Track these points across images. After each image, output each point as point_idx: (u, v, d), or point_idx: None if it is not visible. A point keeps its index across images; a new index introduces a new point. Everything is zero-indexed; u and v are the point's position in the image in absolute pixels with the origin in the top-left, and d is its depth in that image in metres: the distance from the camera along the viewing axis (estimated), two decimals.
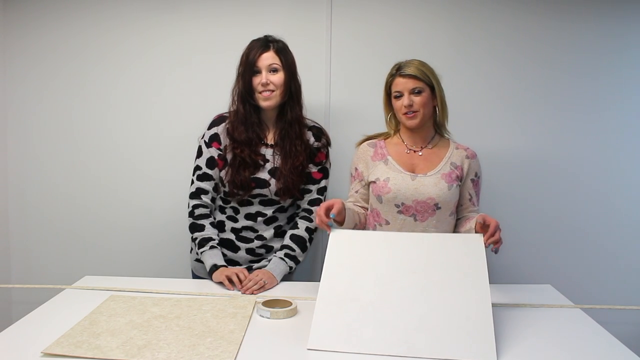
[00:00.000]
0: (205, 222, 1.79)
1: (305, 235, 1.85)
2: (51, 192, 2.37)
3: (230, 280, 1.66)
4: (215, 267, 1.72)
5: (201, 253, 1.77)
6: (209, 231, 1.79)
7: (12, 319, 1.47)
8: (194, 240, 1.80)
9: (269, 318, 1.44)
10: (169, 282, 1.74)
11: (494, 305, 1.56)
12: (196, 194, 1.81)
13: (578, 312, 1.54)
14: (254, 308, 1.51)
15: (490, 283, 1.83)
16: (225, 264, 1.75)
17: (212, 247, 1.76)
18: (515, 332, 1.38)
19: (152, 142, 2.32)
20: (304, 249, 1.85)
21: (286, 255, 1.80)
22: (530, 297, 1.64)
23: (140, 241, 2.36)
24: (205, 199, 1.81)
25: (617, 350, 1.29)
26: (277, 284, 1.74)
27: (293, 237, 1.84)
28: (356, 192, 1.86)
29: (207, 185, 1.81)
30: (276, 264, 1.77)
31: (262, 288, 1.67)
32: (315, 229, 1.90)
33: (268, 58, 1.74)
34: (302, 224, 1.86)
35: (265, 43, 1.76)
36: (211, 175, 1.81)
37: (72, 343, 1.25)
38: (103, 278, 1.78)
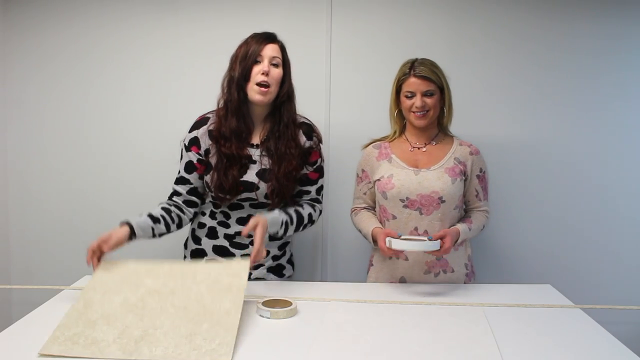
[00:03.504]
0: (158, 207, 1.73)
1: (306, 218, 1.79)
2: (51, 193, 2.37)
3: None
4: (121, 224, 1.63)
5: None
6: (154, 209, 1.71)
7: (12, 319, 1.47)
8: None
9: (269, 318, 1.44)
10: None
11: (494, 305, 1.57)
12: (170, 195, 1.80)
13: (578, 312, 1.54)
14: (249, 277, 1.48)
15: (490, 283, 1.86)
16: (129, 221, 1.62)
17: (140, 214, 1.68)
18: (515, 332, 1.37)
19: (152, 143, 2.32)
20: (299, 225, 1.77)
21: (284, 222, 1.72)
22: (530, 297, 1.64)
23: (140, 241, 2.35)
24: (177, 199, 1.78)
25: (617, 350, 1.29)
26: (265, 229, 1.63)
27: (295, 211, 1.77)
28: (364, 194, 1.90)
29: (181, 188, 1.78)
30: (272, 217, 1.69)
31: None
32: (313, 222, 1.84)
33: (273, 50, 1.70)
34: (307, 208, 1.81)
35: (270, 36, 1.73)
36: (188, 180, 1.77)
37: (69, 337, 1.24)
38: None
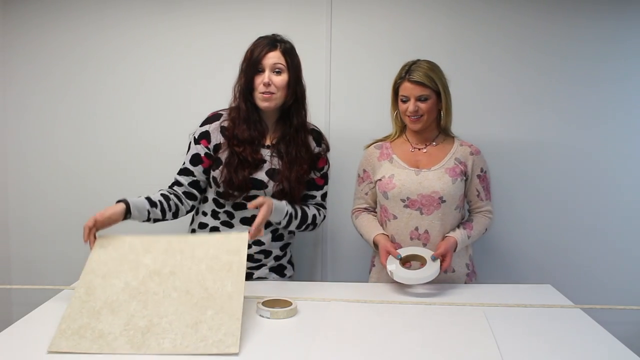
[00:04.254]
0: (158, 192, 1.73)
1: (310, 217, 1.80)
2: (51, 193, 2.37)
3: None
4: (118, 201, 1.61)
5: None
6: (152, 194, 1.70)
7: (12, 319, 1.47)
8: None
9: (269, 318, 1.44)
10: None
11: (494, 305, 1.57)
12: (171, 184, 1.79)
13: (578, 312, 1.54)
14: (251, 277, 1.48)
15: (490, 283, 1.86)
16: (126, 199, 1.60)
17: (139, 196, 1.67)
18: (516, 332, 1.38)
19: (154, 143, 2.32)
20: (302, 222, 1.79)
21: (289, 212, 1.73)
22: (530, 297, 1.64)
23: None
24: (177, 189, 1.77)
25: (617, 350, 1.29)
26: (270, 211, 1.64)
27: (301, 208, 1.79)
28: (366, 194, 1.91)
29: (183, 179, 1.77)
30: (280, 204, 1.70)
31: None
32: (315, 225, 1.86)
33: (273, 57, 1.69)
34: (313, 210, 1.83)
35: (272, 42, 1.71)
36: (192, 172, 1.77)
37: (75, 331, 1.24)
38: None
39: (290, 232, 1.90)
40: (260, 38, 1.74)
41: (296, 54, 1.76)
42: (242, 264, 1.42)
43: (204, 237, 1.54)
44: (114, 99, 2.32)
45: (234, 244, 1.49)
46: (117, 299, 1.33)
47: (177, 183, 1.79)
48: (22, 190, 2.38)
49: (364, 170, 1.90)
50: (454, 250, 1.76)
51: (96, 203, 2.33)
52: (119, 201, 1.61)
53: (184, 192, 1.78)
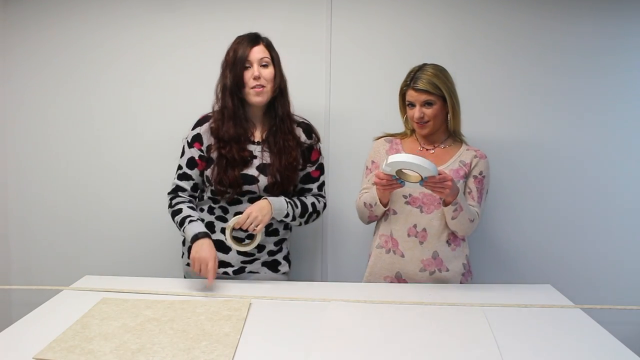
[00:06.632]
0: (183, 206, 1.78)
1: (310, 206, 1.84)
2: (51, 193, 2.37)
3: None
4: (196, 237, 1.69)
5: (182, 230, 1.75)
6: (187, 211, 1.77)
7: (12, 319, 1.47)
8: (176, 224, 1.78)
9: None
10: (166, 281, 1.74)
11: (494, 305, 1.57)
12: (174, 190, 1.82)
13: (578, 312, 1.54)
14: (248, 310, 1.50)
15: (489, 283, 1.86)
16: (206, 231, 1.72)
17: (190, 221, 1.73)
18: (515, 332, 1.38)
19: (153, 143, 2.32)
20: (302, 214, 1.83)
21: (288, 202, 1.79)
22: (530, 297, 1.64)
23: (140, 241, 2.36)
24: (183, 195, 1.81)
25: (617, 350, 1.29)
26: (271, 217, 1.73)
27: (298, 199, 1.84)
28: (373, 184, 1.89)
29: (185, 184, 1.81)
30: (277, 199, 1.76)
31: (260, 224, 1.70)
32: (318, 212, 1.88)
33: (259, 52, 1.74)
34: (310, 198, 1.86)
35: (254, 38, 1.77)
36: (190, 175, 1.81)
37: (65, 348, 1.24)
38: (103, 278, 1.78)
39: (287, 228, 1.92)
40: (240, 37, 1.78)
41: (274, 47, 1.81)
42: (242, 318, 1.43)
43: (206, 299, 1.58)
44: (114, 99, 2.32)
45: (236, 304, 1.53)
46: (112, 332, 1.33)
47: (180, 189, 1.82)
48: (22, 191, 2.38)
49: (372, 162, 1.91)
50: (455, 197, 1.69)
51: (96, 204, 2.36)
52: (200, 237, 1.69)
53: (189, 197, 1.83)
